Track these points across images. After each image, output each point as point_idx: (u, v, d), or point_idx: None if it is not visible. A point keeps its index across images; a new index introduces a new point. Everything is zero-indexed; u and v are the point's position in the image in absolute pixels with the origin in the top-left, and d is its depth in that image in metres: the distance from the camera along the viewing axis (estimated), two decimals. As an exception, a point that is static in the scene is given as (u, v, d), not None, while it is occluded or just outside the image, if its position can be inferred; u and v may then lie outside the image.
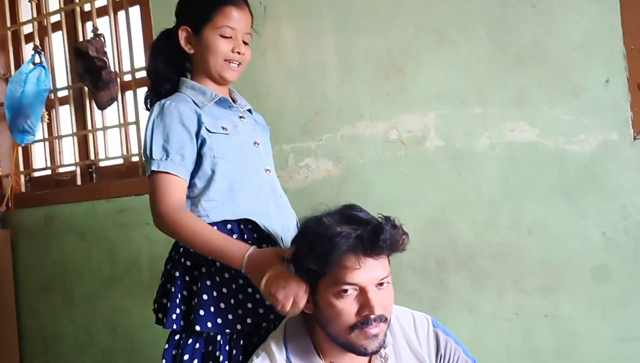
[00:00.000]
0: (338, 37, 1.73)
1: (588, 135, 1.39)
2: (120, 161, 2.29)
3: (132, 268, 2.17)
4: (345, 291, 0.88)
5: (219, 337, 1.18)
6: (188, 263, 1.21)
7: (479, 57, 1.52)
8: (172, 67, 1.30)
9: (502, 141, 1.50)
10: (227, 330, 1.16)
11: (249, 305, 1.17)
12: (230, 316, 1.16)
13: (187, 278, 1.20)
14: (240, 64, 1.27)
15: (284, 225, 1.28)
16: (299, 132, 1.80)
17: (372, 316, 0.87)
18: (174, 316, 1.18)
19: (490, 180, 1.52)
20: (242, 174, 1.23)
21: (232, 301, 1.17)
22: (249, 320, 1.16)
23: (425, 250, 1.61)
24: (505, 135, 1.49)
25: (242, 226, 1.22)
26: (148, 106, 1.31)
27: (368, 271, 0.88)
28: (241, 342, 1.19)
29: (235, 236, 1.20)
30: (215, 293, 1.17)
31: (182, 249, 1.23)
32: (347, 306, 0.88)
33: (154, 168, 1.18)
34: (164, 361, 1.21)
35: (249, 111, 1.38)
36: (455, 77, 1.56)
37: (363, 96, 1.70)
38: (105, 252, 2.24)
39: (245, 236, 1.21)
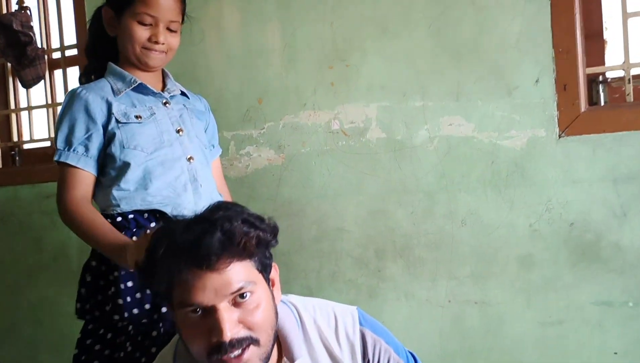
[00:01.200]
0: (282, 23, 1.70)
1: (519, 131, 1.46)
2: (47, 143, 2.16)
3: (60, 257, 2.05)
4: (190, 312, 0.72)
5: (130, 327, 1.16)
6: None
7: (421, 51, 1.55)
8: (102, 48, 1.25)
9: (440, 134, 1.54)
10: (144, 320, 1.15)
11: None
12: (147, 306, 1.15)
13: (103, 268, 1.18)
14: (165, 51, 1.22)
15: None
16: (241, 119, 1.76)
17: (225, 343, 0.69)
18: (87, 305, 1.17)
19: (428, 172, 1.56)
20: (157, 163, 1.19)
21: (148, 291, 1.15)
22: (163, 310, 1.14)
23: (364, 240, 1.64)
24: (443, 128, 1.54)
25: (157, 216, 1.20)
26: None
27: (208, 288, 0.70)
28: (154, 333, 1.16)
29: (153, 224, 1.18)
30: (131, 283, 1.14)
31: None
32: (196, 331, 0.72)
33: (56, 158, 1.17)
34: (76, 350, 1.20)
35: (185, 95, 1.34)
36: (397, 69, 1.58)
37: (306, 85, 1.69)
38: (30, 240, 2.10)
39: (153, 223, 1.19)
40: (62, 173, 1.17)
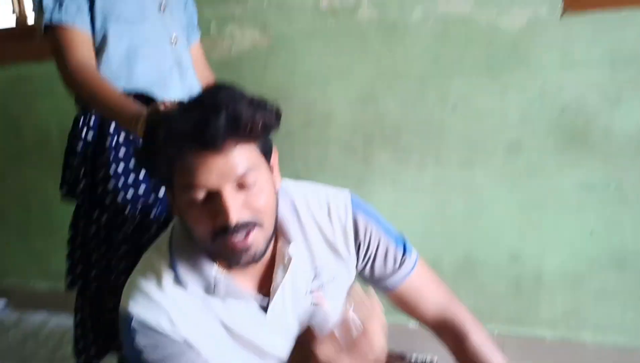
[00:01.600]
0: None
1: (519, 9, 1.37)
2: (13, 22, 2.00)
3: (42, 142, 2.00)
4: (194, 196, 0.69)
5: (128, 209, 1.15)
6: (89, 135, 1.14)
7: None
8: None
9: (435, 13, 1.45)
10: (138, 205, 1.14)
11: None
12: (141, 190, 1.14)
13: (90, 150, 1.14)
14: None
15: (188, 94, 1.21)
16: (222, -5, 1.63)
17: (230, 226, 0.68)
18: (77, 189, 1.15)
19: (421, 55, 1.49)
20: (141, 40, 1.13)
21: (142, 175, 1.14)
22: (160, 193, 1.15)
23: (352, 126, 1.61)
24: (439, 6, 1.44)
25: (146, 101, 1.13)
26: None
27: (213, 171, 0.68)
28: (151, 214, 1.17)
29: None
30: (122, 167, 1.12)
31: (80, 121, 1.15)
32: (200, 214, 0.70)
33: (47, 19, 1.05)
34: (71, 232, 1.20)
35: None
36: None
37: (293, -44, 1.54)
38: (8, 126, 2.03)
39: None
40: (57, 38, 1.07)
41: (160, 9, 1.17)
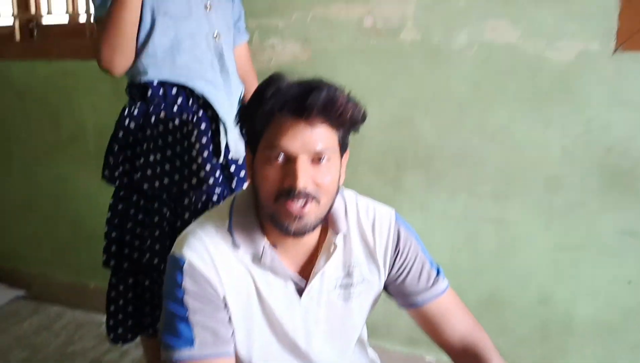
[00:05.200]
0: None
1: (569, 42, 1.33)
2: (66, 19, 2.06)
3: (77, 137, 2.04)
4: (274, 155, 0.77)
5: (164, 196, 1.23)
6: (132, 125, 1.22)
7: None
8: None
9: (481, 39, 1.42)
10: (174, 190, 1.21)
11: (193, 167, 1.20)
12: (176, 177, 1.21)
13: (131, 139, 1.22)
14: None
15: (229, 93, 1.25)
16: (267, 7, 1.64)
17: (295, 189, 0.75)
18: (116, 173, 1.23)
19: (462, 81, 1.46)
20: (186, 35, 1.19)
21: (177, 163, 1.21)
22: (194, 181, 1.20)
23: (385, 147, 1.58)
24: (485, 34, 1.41)
25: (186, 92, 1.21)
26: None
27: (298, 138, 0.76)
28: (185, 201, 1.23)
29: (181, 99, 1.20)
30: (159, 156, 1.20)
31: (127, 111, 1.23)
32: (273, 173, 0.78)
33: (96, 12, 1.16)
34: (109, 214, 1.27)
35: None
36: (442, -38, 1.43)
37: (341, -27, 1.54)
38: (47, 117, 2.08)
39: (181, 99, 1.21)
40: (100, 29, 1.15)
41: (206, 8, 1.22)
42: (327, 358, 0.91)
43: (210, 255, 0.82)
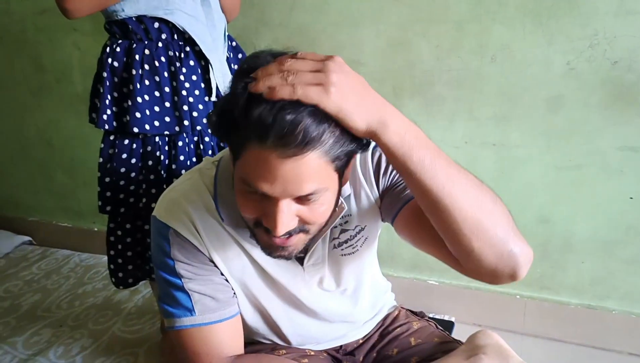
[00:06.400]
0: None
1: (575, -51, 1.24)
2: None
3: (63, 78, 1.97)
4: (250, 191, 0.63)
5: (157, 138, 1.18)
6: (115, 63, 1.15)
7: None
8: None
9: (480, -50, 1.32)
10: (166, 132, 1.17)
11: (185, 108, 1.15)
12: (167, 119, 1.16)
13: (116, 80, 1.16)
14: None
15: (211, 27, 1.19)
16: None
17: (274, 235, 0.64)
18: (104, 116, 1.16)
19: (460, -2, 1.38)
20: None
21: (168, 104, 1.16)
22: (186, 122, 1.16)
23: (381, 74, 1.52)
24: (485, -56, 1.31)
25: (163, 26, 1.14)
26: None
27: (278, 179, 0.59)
28: (179, 143, 1.19)
29: (165, 35, 1.14)
30: (147, 97, 1.14)
31: (108, 49, 1.16)
32: (252, 203, 0.64)
33: None
34: (100, 159, 1.22)
35: None
36: None
37: None
38: (29, 59, 2.00)
39: (165, 35, 1.14)
40: None
41: None
42: (337, 312, 0.89)
43: (194, 223, 0.75)
